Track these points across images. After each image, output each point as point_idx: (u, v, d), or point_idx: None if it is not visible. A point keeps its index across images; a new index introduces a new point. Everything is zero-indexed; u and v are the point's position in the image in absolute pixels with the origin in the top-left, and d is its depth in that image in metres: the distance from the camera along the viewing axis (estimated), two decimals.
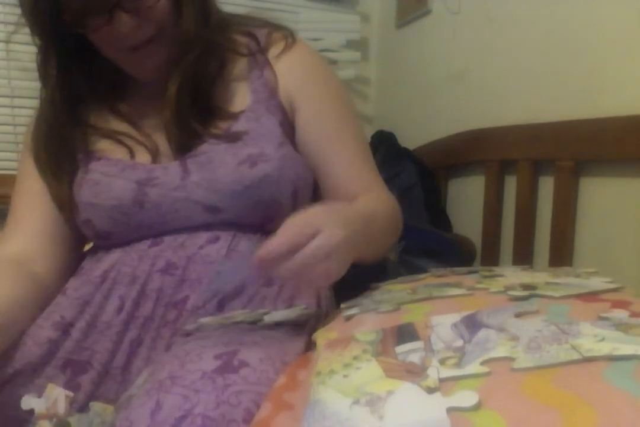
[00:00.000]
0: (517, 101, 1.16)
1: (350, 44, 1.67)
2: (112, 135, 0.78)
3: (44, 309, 0.71)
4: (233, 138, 0.74)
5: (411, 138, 1.47)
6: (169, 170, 0.74)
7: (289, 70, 0.79)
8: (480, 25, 1.26)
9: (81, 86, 0.78)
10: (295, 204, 0.75)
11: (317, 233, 0.53)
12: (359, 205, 0.70)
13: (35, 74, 1.63)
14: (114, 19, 0.67)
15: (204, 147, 0.74)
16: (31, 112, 1.42)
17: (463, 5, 1.33)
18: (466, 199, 1.32)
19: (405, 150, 1.43)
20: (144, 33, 0.70)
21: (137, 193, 0.73)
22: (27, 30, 1.39)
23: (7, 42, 1.41)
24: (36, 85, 1.42)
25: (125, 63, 0.75)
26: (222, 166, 0.72)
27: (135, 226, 0.74)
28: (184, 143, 0.75)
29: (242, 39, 0.81)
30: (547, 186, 1.06)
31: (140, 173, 0.74)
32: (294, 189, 0.75)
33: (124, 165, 0.75)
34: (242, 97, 0.78)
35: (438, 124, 1.41)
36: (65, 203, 0.77)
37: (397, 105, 1.61)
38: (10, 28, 1.41)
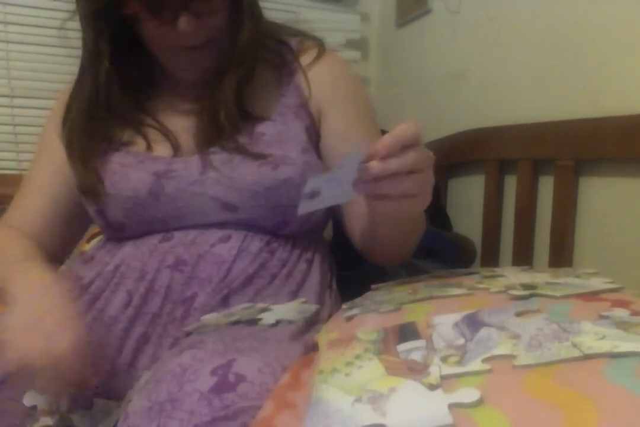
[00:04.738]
0: (517, 100, 1.16)
1: (350, 44, 1.67)
2: (136, 125, 0.79)
3: None
4: (256, 139, 0.75)
5: None
6: (189, 164, 0.74)
7: (320, 80, 0.81)
8: (480, 24, 1.26)
9: (125, 78, 0.78)
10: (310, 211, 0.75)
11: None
12: None
13: (35, 74, 1.62)
14: (180, 18, 0.68)
15: (227, 145, 0.75)
16: (31, 112, 1.44)
17: (463, 5, 1.33)
18: (466, 199, 1.33)
19: None
20: (201, 36, 0.71)
21: (153, 185, 0.73)
22: (23, 29, 1.40)
23: (7, 42, 1.42)
24: (36, 85, 1.43)
25: (170, 60, 0.77)
26: (243, 165, 0.73)
27: (149, 219, 0.74)
28: (211, 135, 0.75)
29: (275, 46, 0.83)
30: (547, 186, 1.06)
31: (159, 165, 0.75)
32: None
33: (143, 157, 0.76)
34: (268, 100, 0.79)
35: (438, 123, 1.41)
36: (89, 190, 0.76)
37: (397, 105, 1.61)
38: (10, 28, 1.42)
